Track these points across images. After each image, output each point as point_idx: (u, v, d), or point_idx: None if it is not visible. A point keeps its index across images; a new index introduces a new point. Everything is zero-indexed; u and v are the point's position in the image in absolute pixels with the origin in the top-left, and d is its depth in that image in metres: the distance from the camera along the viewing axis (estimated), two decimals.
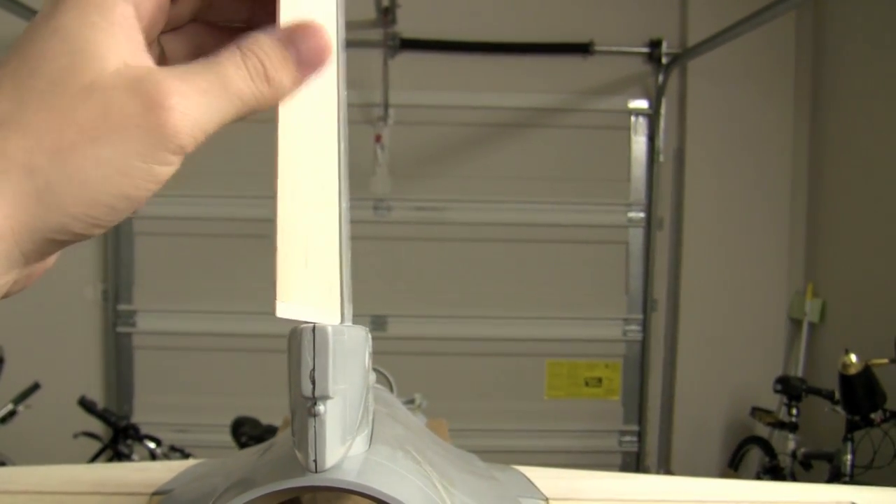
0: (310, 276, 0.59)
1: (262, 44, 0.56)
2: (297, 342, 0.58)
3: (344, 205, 0.61)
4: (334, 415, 0.58)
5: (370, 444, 0.70)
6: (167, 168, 0.54)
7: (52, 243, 0.53)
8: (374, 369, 0.84)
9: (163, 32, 0.63)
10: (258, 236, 5.33)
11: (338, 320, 0.59)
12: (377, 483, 0.62)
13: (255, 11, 0.64)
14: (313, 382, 0.57)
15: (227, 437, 4.33)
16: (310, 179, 0.59)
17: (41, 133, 0.51)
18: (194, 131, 0.53)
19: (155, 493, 1.11)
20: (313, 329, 0.58)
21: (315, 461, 0.58)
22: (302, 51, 0.57)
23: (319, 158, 0.59)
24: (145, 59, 0.55)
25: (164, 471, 1.20)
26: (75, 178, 0.51)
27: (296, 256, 0.58)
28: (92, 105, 0.52)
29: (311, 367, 0.57)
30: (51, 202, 0.51)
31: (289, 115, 0.58)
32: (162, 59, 0.63)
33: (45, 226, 0.52)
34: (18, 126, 0.51)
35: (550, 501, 1.08)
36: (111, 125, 0.51)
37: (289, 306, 0.58)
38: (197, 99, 0.53)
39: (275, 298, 0.57)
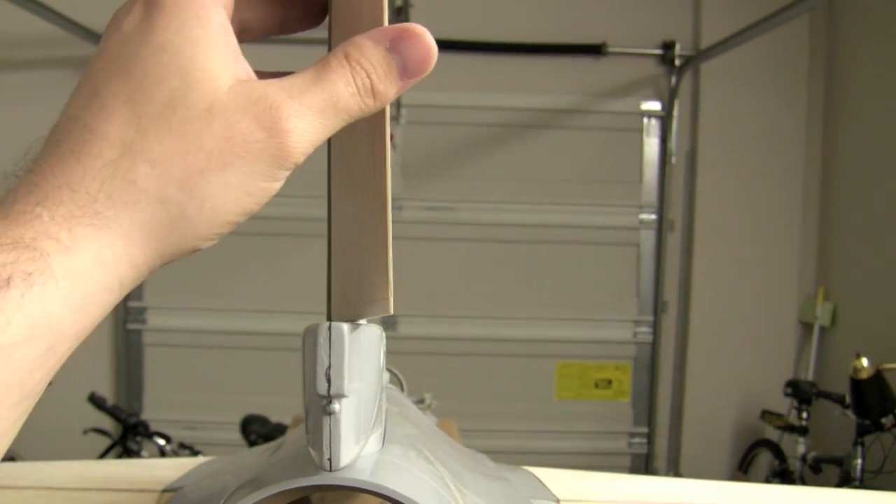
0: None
1: (369, 55, 0.56)
2: (313, 340, 0.58)
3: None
4: (349, 413, 0.58)
5: (383, 444, 0.70)
6: (280, 183, 0.55)
7: (178, 259, 0.56)
8: (386, 369, 0.84)
9: None
10: (270, 234, 5.33)
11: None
12: (391, 482, 0.61)
13: None
14: (329, 381, 0.57)
15: (237, 435, 4.34)
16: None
17: (168, 161, 0.52)
18: (307, 148, 0.55)
19: (165, 490, 1.11)
20: (329, 327, 0.57)
21: (329, 460, 0.58)
22: (407, 59, 0.57)
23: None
24: (247, 70, 0.56)
25: (173, 468, 1.20)
26: (206, 204, 0.53)
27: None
28: (216, 131, 0.52)
29: (326, 366, 0.57)
30: (185, 229, 0.53)
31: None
32: None
33: (177, 250, 0.55)
34: (143, 154, 0.52)
35: (561, 502, 1.07)
36: (237, 151, 0.53)
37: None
38: (312, 118, 0.54)
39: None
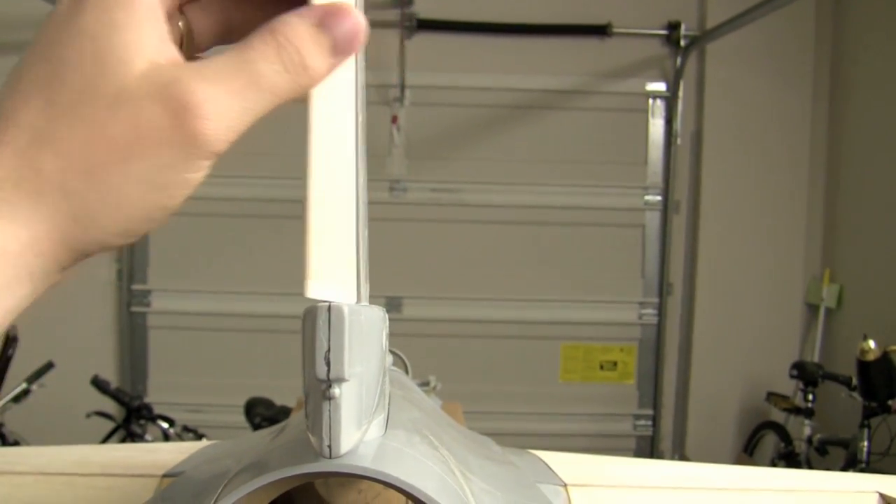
0: (331, 253, 0.57)
1: (296, 30, 0.53)
2: (312, 322, 0.56)
3: (361, 181, 0.58)
4: (350, 398, 0.56)
5: (386, 429, 0.69)
6: (200, 174, 0.53)
7: (90, 254, 0.54)
8: (390, 351, 0.82)
9: (185, 3, 0.60)
10: (273, 216, 5.34)
11: (354, 299, 0.57)
12: (393, 469, 0.60)
13: None
14: (328, 364, 0.55)
15: (241, 418, 4.34)
16: (331, 158, 0.57)
17: (73, 151, 0.50)
18: (227, 135, 0.52)
19: (165, 475, 1.10)
20: (329, 308, 0.55)
21: (329, 446, 0.56)
22: (337, 35, 0.54)
23: (338, 137, 0.57)
24: (171, 54, 0.53)
25: (174, 452, 1.19)
26: (110, 198, 0.51)
27: (325, 232, 0.57)
28: (121, 118, 0.50)
29: (325, 349, 0.55)
30: (88, 223, 0.51)
31: (319, 97, 0.56)
32: (190, 40, 0.61)
33: (83, 243, 0.52)
34: (51, 143, 0.50)
35: (568, 486, 1.06)
36: (142, 141, 0.50)
37: (321, 285, 0.56)
38: (229, 102, 0.51)
39: (306, 278, 0.56)
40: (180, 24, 0.60)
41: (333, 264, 0.57)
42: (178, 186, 0.52)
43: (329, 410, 0.56)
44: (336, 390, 0.55)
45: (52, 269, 0.52)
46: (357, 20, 0.55)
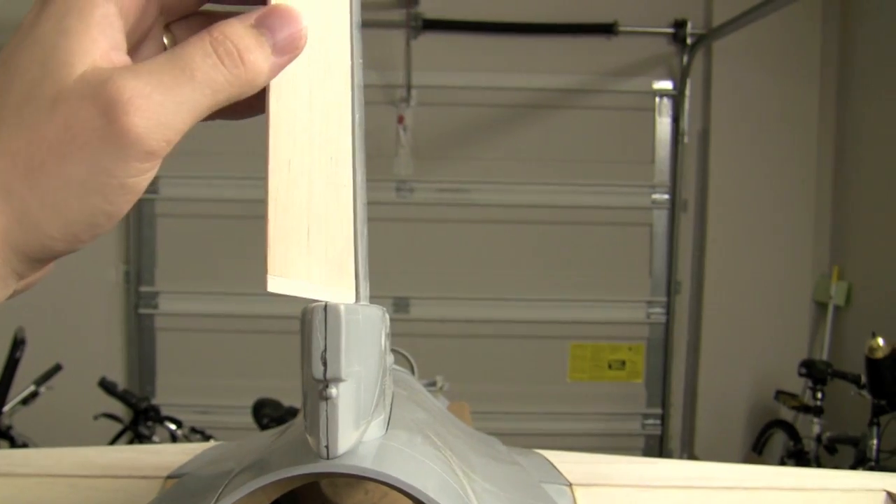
0: (317, 251, 0.56)
1: (233, 28, 0.53)
2: (309, 322, 0.55)
3: (359, 180, 0.58)
4: (347, 398, 0.56)
5: (387, 429, 0.68)
6: (141, 177, 0.52)
7: (40, 261, 0.53)
8: (395, 351, 0.82)
9: (173, 21, 0.60)
10: None
11: (352, 299, 0.57)
12: (393, 469, 0.59)
13: None
14: (325, 364, 0.55)
15: (249, 419, 4.35)
16: (316, 153, 0.56)
17: (14, 153, 0.50)
18: (163, 133, 0.51)
19: (169, 476, 1.10)
20: (325, 308, 0.55)
21: (327, 447, 0.56)
22: (277, 35, 0.53)
23: (330, 133, 0.57)
24: (119, 59, 0.52)
25: (178, 454, 1.19)
26: (48, 201, 0.50)
27: (293, 228, 0.56)
28: (56, 119, 0.50)
29: (322, 349, 0.55)
30: (29, 226, 0.50)
31: (282, 86, 0.55)
32: None
33: (28, 248, 0.51)
34: None
35: (573, 486, 1.06)
36: (76, 141, 0.50)
37: (285, 281, 0.55)
38: (160, 97, 0.50)
39: (265, 272, 0.55)
40: (165, 40, 0.60)
41: (324, 260, 0.56)
42: (117, 191, 0.51)
43: (326, 411, 0.55)
44: (333, 390, 0.55)
45: (7, 274, 0.51)
46: (296, 18, 0.54)
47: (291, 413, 4.13)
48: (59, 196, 0.50)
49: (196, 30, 0.58)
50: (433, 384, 2.62)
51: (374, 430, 0.64)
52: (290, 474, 0.59)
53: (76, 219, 0.51)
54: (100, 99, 0.49)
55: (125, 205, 0.52)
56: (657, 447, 6.18)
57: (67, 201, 0.50)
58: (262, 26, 0.53)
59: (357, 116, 0.58)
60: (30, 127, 0.50)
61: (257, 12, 0.54)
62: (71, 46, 0.51)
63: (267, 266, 0.55)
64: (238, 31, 0.53)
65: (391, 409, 0.74)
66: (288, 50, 0.54)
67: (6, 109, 0.50)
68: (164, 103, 0.50)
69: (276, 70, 0.54)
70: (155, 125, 0.50)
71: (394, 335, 0.81)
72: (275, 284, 0.55)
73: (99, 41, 0.51)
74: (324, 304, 0.55)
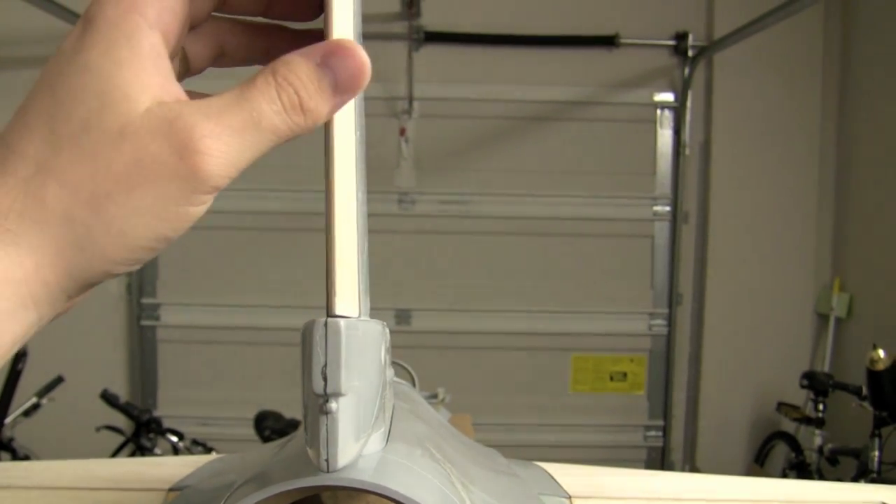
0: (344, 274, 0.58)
1: (297, 71, 0.54)
2: (309, 337, 0.56)
3: (360, 196, 0.59)
4: (347, 412, 0.56)
5: (387, 442, 0.69)
6: (202, 207, 0.54)
7: (94, 284, 0.55)
8: (396, 363, 0.83)
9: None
10: (282, 229, 5.35)
11: (356, 313, 0.58)
12: (393, 482, 0.60)
13: (271, 4, 0.62)
14: (325, 379, 0.56)
15: (251, 431, 4.34)
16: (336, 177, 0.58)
17: (77, 182, 0.51)
18: (228, 171, 0.53)
19: (171, 489, 1.10)
20: (325, 323, 0.56)
21: (327, 460, 0.57)
22: (339, 75, 0.54)
23: (338, 149, 0.58)
24: (175, 91, 0.54)
25: (181, 466, 1.20)
26: (113, 227, 0.52)
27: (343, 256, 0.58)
28: (126, 152, 0.51)
29: (322, 363, 0.56)
30: (91, 252, 0.52)
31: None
32: (184, 63, 0.63)
33: (87, 273, 0.53)
34: (55, 174, 0.51)
35: (573, 499, 1.06)
36: (146, 174, 0.51)
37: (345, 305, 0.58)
38: (229, 139, 0.52)
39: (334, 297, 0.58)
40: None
41: (345, 282, 0.57)
42: (180, 218, 0.53)
43: (326, 424, 0.56)
44: (333, 404, 0.56)
45: (57, 297, 0.53)
46: (360, 59, 0.55)
47: (293, 425, 4.13)
48: (125, 224, 0.52)
49: (206, 37, 0.62)
50: (434, 396, 2.62)
51: (374, 443, 0.64)
52: (290, 487, 0.59)
53: (138, 244, 0.53)
54: (173, 137, 0.51)
55: (182, 229, 0.54)
56: (659, 459, 6.17)
57: (134, 228, 0.52)
58: (325, 66, 0.54)
59: (360, 133, 0.59)
60: (93, 157, 0.51)
61: (322, 49, 0.55)
62: (128, 79, 0.52)
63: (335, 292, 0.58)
64: (302, 76, 0.54)
65: (391, 421, 0.74)
66: (350, 90, 0.55)
67: (63, 139, 0.52)
68: (232, 144, 0.52)
69: (337, 109, 0.56)
70: (223, 164, 0.52)
71: (395, 347, 0.81)
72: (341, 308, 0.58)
73: (154, 73, 0.53)
74: (324, 319, 0.56)
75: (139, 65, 0.52)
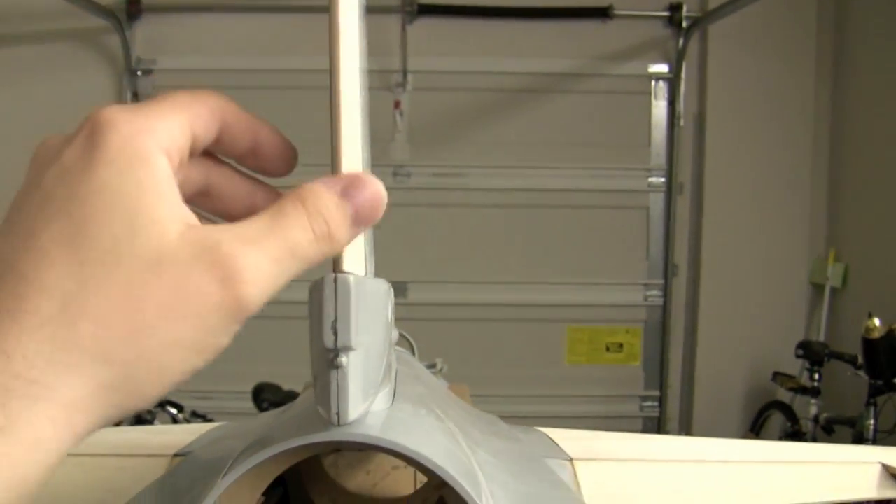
0: None
1: (325, 202, 0.54)
2: (319, 293, 0.57)
3: (367, 162, 0.60)
4: (356, 367, 0.57)
5: (393, 402, 0.69)
6: (230, 338, 0.53)
7: (118, 420, 0.53)
8: (398, 331, 0.83)
9: None
10: None
11: (363, 272, 0.58)
12: (402, 438, 0.60)
13: (254, 151, 0.60)
14: (335, 333, 0.56)
15: (249, 404, 4.35)
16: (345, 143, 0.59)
17: (112, 317, 0.48)
18: (263, 300, 0.52)
19: (175, 455, 1.11)
20: (335, 279, 0.56)
21: (338, 414, 0.57)
22: (358, 207, 0.55)
23: (345, 126, 0.58)
24: (191, 214, 0.53)
25: (184, 433, 1.21)
26: (153, 363, 0.50)
27: None
28: (165, 282, 0.49)
29: (332, 318, 0.56)
30: (127, 390, 0.50)
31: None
32: None
33: (118, 412, 0.50)
34: (85, 309, 0.48)
35: (574, 461, 1.07)
36: (188, 304, 0.49)
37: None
38: (268, 268, 0.51)
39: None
40: None
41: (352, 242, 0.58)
42: (213, 349, 0.52)
43: (337, 378, 0.57)
44: (343, 359, 0.56)
45: (82, 439, 0.50)
46: (379, 191, 0.56)
47: (291, 397, 4.14)
48: (163, 358, 0.50)
49: (194, 169, 0.59)
50: (433, 366, 2.63)
51: (381, 401, 0.65)
52: (301, 443, 0.60)
53: (173, 379, 0.51)
54: (215, 266, 0.50)
55: (210, 361, 0.53)
56: (655, 429, 6.18)
57: (171, 362, 0.50)
58: (346, 197, 0.55)
59: (363, 103, 0.59)
60: (128, 288, 0.49)
61: (343, 181, 0.56)
62: (154, 202, 0.50)
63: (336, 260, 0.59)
64: (330, 206, 0.54)
65: (395, 382, 0.75)
66: (367, 221, 0.56)
67: (89, 268, 0.48)
68: (271, 272, 0.51)
69: (354, 237, 0.57)
70: (261, 293, 0.52)
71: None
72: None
73: (173, 196, 0.52)
74: (333, 275, 0.57)
75: (158, 188, 0.50)
